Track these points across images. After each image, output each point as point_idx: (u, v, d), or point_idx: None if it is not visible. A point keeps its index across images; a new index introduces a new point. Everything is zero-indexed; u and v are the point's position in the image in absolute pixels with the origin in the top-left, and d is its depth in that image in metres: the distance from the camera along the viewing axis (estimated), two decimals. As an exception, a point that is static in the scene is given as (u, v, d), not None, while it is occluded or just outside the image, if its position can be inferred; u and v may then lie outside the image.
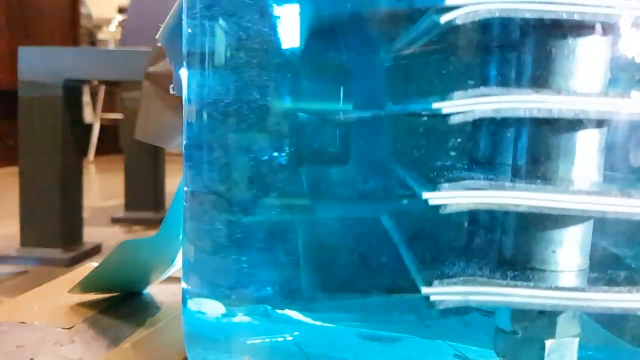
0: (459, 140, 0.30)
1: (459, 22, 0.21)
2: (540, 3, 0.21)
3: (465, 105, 0.22)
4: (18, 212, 1.20)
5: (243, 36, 0.30)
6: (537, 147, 0.23)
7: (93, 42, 3.24)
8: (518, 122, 0.24)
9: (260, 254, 0.31)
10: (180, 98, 0.33)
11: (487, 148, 0.29)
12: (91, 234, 1.34)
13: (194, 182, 0.32)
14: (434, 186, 0.22)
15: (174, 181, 0.43)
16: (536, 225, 0.23)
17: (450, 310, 0.23)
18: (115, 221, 1.61)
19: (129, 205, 1.65)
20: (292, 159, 0.31)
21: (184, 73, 0.32)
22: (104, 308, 0.42)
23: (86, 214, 1.34)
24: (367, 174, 0.32)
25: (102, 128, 3.17)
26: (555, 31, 0.22)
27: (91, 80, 1.60)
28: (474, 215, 0.28)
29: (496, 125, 0.28)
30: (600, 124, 0.23)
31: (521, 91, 0.22)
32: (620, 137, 0.25)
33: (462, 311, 0.29)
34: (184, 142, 0.32)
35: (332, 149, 0.31)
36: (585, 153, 0.23)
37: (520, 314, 0.24)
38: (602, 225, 0.25)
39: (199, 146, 0.31)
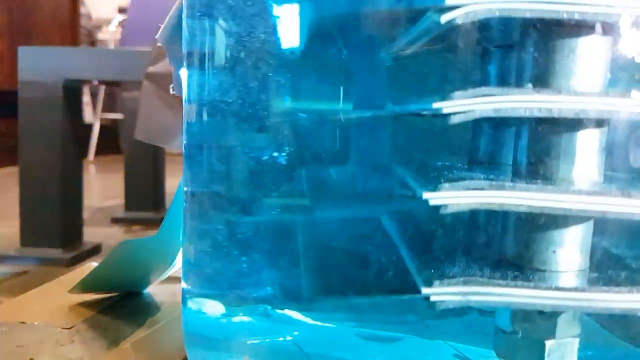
0: (459, 140, 0.30)
1: (459, 22, 0.21)
2: (541, 3, 0.21)
3: (465, 105, 0.22)
4: (18, 212, 1.20)
5: (243, 36, 0.30)
6: (537, 147, 0.23)
7: (93, 42, 3.24)
8: (518, 122, 0.24)
9: (260, 254, 0.31)
10: (180, 98, 0.33)
11: (488, 148, 0.29)
12: (91, 234, 1.34)
13: (194, 182, 0.32)
14: (434, 186, 0.22)
15: (174, 181, 0.43)
16: (536, 226, 0.23)
17: (450, 310, 0.23)
18: (115, 221, 1.61)
19: (129, 205, 1.65)
20: (292, 159, 0.31)
21: (184, 73, 0.32)
22: (104, 308, 0.42)
23: (86, 214, 1.34)
24: (367, 174, 0.32)
25: (102, 128, 3.17)
26: (555, 31, 0.22)
27: (91, 80, 1.60)
28: (474, 216, 0.28)
29: (496, 125, 0.28)
30: (600, 123, 0.23)
31: (521, 91, 0.22)
32: (620, 136, 0.25)
33: (462, 311, 0.29)
34: (184, 142, 0.32)
35: (332, 149, 0.31)
36: (586, 153, 0.23)
37: (521, 314, 0.24)
38: (602, 225, 0.25)
39: (199, 146, 0.31)
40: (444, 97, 0.22)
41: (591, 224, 0.24)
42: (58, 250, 1.19)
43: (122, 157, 1.78)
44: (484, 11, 0.21)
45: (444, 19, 0.21)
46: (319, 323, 0.32)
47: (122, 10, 2.85)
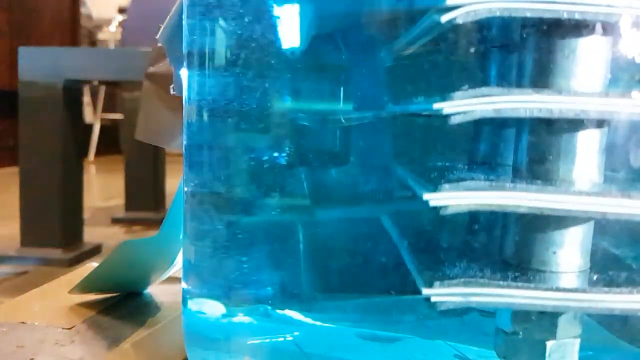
0: (460, 140, 0.30)
1: (459, 21, 0.21)
2: (541, 2, 0.21)
3: (465, 106, 0.21)
4: (18, 212, 1.20)
5: (243, 36, 0.30)
6: (537, 147, 0.23)
7: (93, 42, 3.24)
8: (518, 122, 0.24)
9: (260, 254, 0.31)
10: (180, 98, 0.33)
11: (488, 148, 0.29)
12: (91, 234, 1.34)
13: (194, 182, 0.32)
14: (434, 187, 0.22)
15: (174, 181, 0.43)
16: (536, 226, 0.23)
17: (450, 310, 0.23)
18: (115, 221, 1.61)
19: (129, 205, 1.65)
20: (292, 159, 0.31)
21: (184, 73, 0.32)
22: (104, 308, 0.42)
23: (86, 214, 1.34)
24: (368, 174, 0.32)
25: (102, 128, 3.18)
26: (555, 30, 0.22)
27: (91, 80, 1.60)
28: (474, 216, 0.28)
29: (496, 126, 0.28)
30: (600, 123, 0.23)
31: (521, 91, 0.22)
32: (620, 137, 0.25)
33: (462, 311, 0.29)
34: (184, 142, 0.32)
35: (333, 150, 0.31)
36: (586, 153, 0.23)
37: (521, 315, 0.24)
38: (602, 225, 0.25)
39: (199, 146, 0.31)
40: (444, 97, 0.22)
41: (591, 224, 0.24)
42: (58, 250, 1.19)
43: (122, 157, 1.78)
44: (484, 11, 0.21)
45: (444, 18, 0.21)
46: (319, 323, 0.32)
47: (122, 10, 2.85)
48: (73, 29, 3.09)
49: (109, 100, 3.16)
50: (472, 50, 0.28)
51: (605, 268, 0.24)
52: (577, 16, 0.21)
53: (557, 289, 0.22)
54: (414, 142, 0.31)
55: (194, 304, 0.32)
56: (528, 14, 0.21)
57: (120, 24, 2.87)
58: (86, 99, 2.96)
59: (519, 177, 0.24)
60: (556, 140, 0.23)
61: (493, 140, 0.29)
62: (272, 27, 0.30)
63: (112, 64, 1.21)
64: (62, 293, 0.43)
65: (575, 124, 0.23)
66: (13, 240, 1.22)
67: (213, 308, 0.32)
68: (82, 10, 3.16)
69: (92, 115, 3.13)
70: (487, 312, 0.28)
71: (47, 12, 2.91)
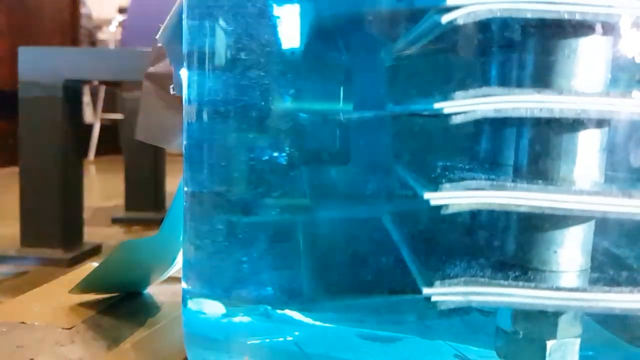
0: (460, 140, 0.30)
1: (460, 21, 0.21)
2: (541, 3, 0.21)
3: (466, 105, 0.21)
4: (18, 212, 1.20)
5: (243, 36, 0.30)
6: (538, 146, 0.23)
7: (93, 42, 3.24)
8: (519, 122, 0.24)
9: (260, 254, 0.31)
10: (180, 98, 0.33)
11: (488, 148, 0.29)
12: (91, 234, 1.34)
13: (194, 182, 0.32)
14: (435, 186, 0.22)
15: (174, 181, 0.42)
16: (537, 225, 0.23)
17: (450, 310, 0.23)
18: (115, 221, 1.61)
19: (129, 205, 1.65)
20: (292, 159, 0.31)
21: (184, 73, 0.32)
22: (104, 308, 0.42)
23: (86, 214, 1.34)
24: (368, 174, 0.32)
25: (102, 128, 3.17)
26: (556, 31, 0.22)
27: (91, 80, 1.60)
28: (475, 216, 0.28)
29: (497, 125, 0.28)
30: (601, 123, 0.23)
31: (522, 91, 0.22)
32: (621, 136, 0.25)
33: (462, 311, 0.29)
34: (184, 142, 0.32)
35: (333, 149, 0.31)
36: (586, 153, 0.23)
37: (522, 314, 0.24)
38: (603, 225, 0.25)
39: (199, 146, 0.31)
40: (445, 97, 0.22)
41: (592, 223, 0.24)
42: (58, 250, 1.19)
43: (122, 157, 1.78)
44: (485, 11, 0.21)
45: (445, 19, 0.21)
46: (319, 323, 0.32)
47: (122, 10, 2.85)
48: (73, 29, 3.08)
49: (109, 100, 3.16)
50: (473, 50, 0.28)
51: (606, 267, 0.24)
52: (577, 17, 0.21)
53: (558, 289, 0.22)
54: (415, 142, 0.31)
55: (194, 304, 0.32)
56: (529, 15, 0.21)
57: (120, 24, 2.87)
58: (86, 99, 2.95)
59: (519, 176, 0.24)
60: (557, 140, 0.23)
61: (494, 140, 0.29)
62: (272, 27, 0.30)
63: (112, 64, 1.21)
64: (62, 293, 0.43)
65: (576, 124, 0.23)
66: (13, 240, 1.21)
67: (213, 308, 0.32)
68: (82, 10, 3.16)
69: (92, 115, 3.13)
70: (487, 312, 0.28)
71: (47, 12, 2.90)
